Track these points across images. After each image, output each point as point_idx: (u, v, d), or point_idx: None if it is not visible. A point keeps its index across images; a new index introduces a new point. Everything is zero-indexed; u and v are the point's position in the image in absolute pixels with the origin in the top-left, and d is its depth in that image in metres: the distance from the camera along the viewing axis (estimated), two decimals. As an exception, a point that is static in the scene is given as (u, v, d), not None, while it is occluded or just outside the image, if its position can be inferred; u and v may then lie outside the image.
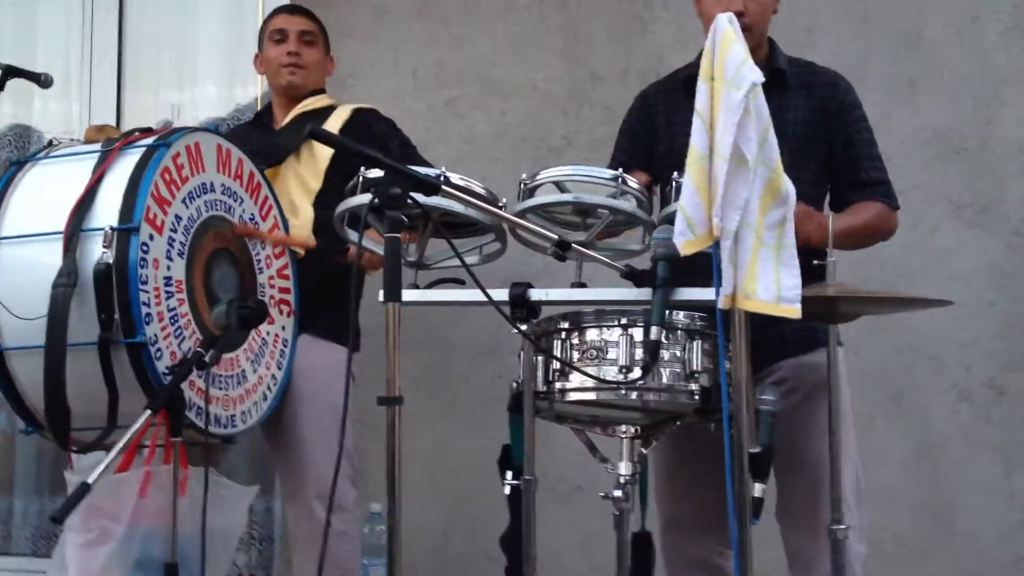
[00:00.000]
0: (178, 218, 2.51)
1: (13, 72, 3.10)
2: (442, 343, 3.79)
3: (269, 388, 2.78)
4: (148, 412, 2.11)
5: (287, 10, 3.41)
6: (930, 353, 3.51)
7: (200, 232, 2.58)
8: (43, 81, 3.23)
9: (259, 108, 3.66)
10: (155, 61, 4.43)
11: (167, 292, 2.45)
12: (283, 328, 2.84)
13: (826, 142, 2.64)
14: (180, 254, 2.50)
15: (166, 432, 2.22)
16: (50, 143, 2.73)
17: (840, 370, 2.37)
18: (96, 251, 2.37)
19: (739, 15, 2.50)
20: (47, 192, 2.54)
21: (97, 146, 2.58)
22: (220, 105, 4.34)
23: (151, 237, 2.41)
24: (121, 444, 2.09)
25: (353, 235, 2.36)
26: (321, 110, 3.22)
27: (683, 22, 3.63)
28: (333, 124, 3.13)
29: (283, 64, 3.21)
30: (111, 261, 2.33)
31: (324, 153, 3.07)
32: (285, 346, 2.85)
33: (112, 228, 2.36)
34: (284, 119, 3.23)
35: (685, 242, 2.05)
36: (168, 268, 2.46)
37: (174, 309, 2.45)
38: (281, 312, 2.83)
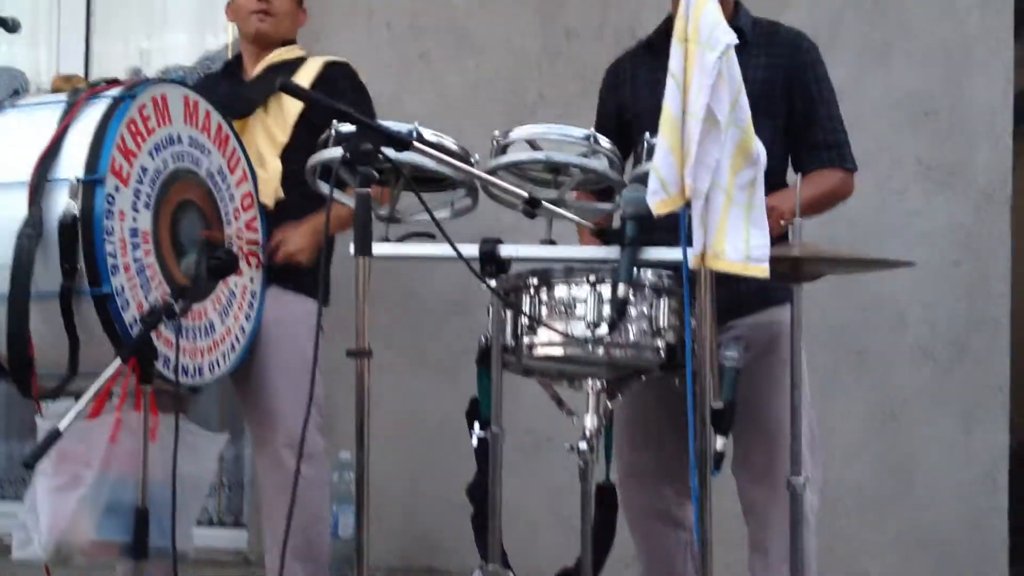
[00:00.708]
0: (144, 170, 2.50)
1: (-21, 15, 3.07)
2: (413, 296, 3.81)
3: (237, 339, 2.79)
4: (118, 360, 2.12)
5: None
6: (894, 311, 3.57)
7: (167, 184, 2.58)
8: (10, 25, 3.18)
9: (229, 57, 3.62)
10: (124, 7, 4.38)
11: (133, 243, 2.45)
12: (251, 280, 2.84)
13: (786, 100, 2.65)
14: (147, 206, 2.50)
15: (136, 379, 2.23)
16: (15, 92, 2.72)
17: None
18: (62, 202, 2.37)
19: None
20: (12, 140, 2.52)
21: (63, 96, 2.56)
22: (190, 52, 4.30)
23: (116, 188, 2.41)
24: (92, 391, 2.11)
25: (325, 187, 2.37)
26: (291, 61, 3.19)
27: (659, -21, 3.62)
28: (303, 77, 3.10)
29: (252, 10, 3.17)
30: (76, 212, 2.34)
31: (292, 107, 3.05)
32: (254, 298, 2.86)
33: (78, 179, 2.36)
34: (254, 69, 3.20)
35: (658, 202, 2.07)
36: (134, 220, 2.46)
37: (140, 260, 2.46)
38: (249, 264, 2.83)
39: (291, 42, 3.27)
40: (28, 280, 2.31)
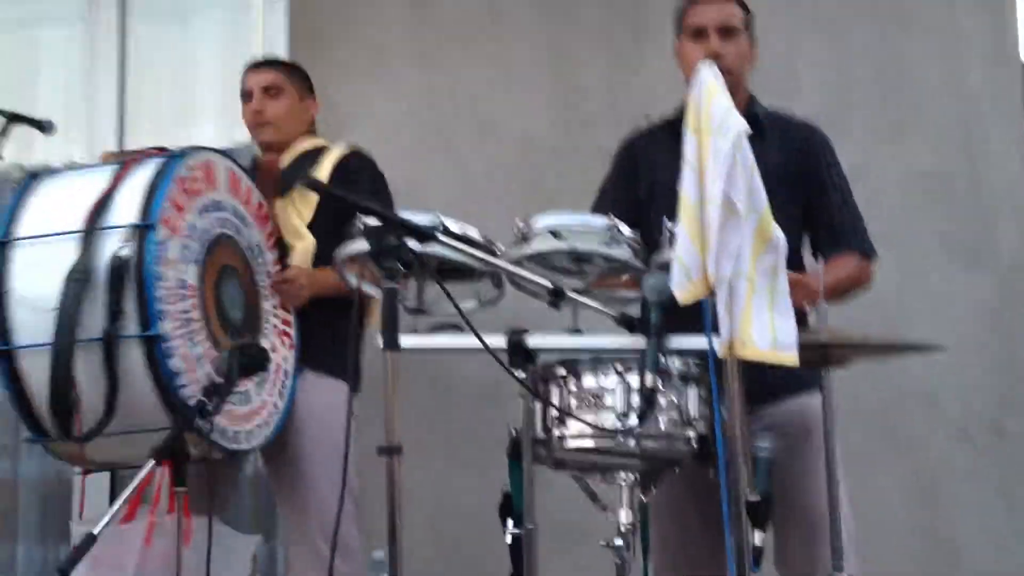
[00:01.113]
0: (193, 226, 2.55)
1: (16, 119, 3.15)
2: (444, 386, 3.81)
3: (271, 416, 2.80)
4: (151, 462, 2.12)
5: (252, 67, 3.38)
6: (927, 394, 3.53)
7: (213, 245, 2.62)
8: (46, 127, 3.27)
9: (256, 150, 3.67)
10: (155, 104, 4.47)
11: (180, 294, 2.47)
12: (284, 359, 2.87)
13: (801, 188, 2.68)
14: (195, 261, 2.54)
15: (170, 482, 2.23)
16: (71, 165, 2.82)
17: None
18: (113, 248, 2.41)
19: (716, 57, 2.57)
20: (64, 196, 2.58)
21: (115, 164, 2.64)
22: (218, 144, 4.37)
23: (168, 237, 2.45)
24: (125, 494, 2.11)
25: (352, 279, 2.39)
26: (311, 151, 3.23)
27: (674, 68, 3.67)
28: (323, 167, 3.15)
29: (250, 123, 3.25)
30: (128, 255, 2.37)
31: (313, 196, 3.10)
32: (286, 377, 2.88)
33: (132, 224, 2.40)
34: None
35: (683, 291, 2.07)
36: (183, 272, 2.49)
37: (187, 312, 2.48)
38: (283, 343, 2.86)
39: (310, 132, 3.31)
40: (74, 322, 2.32)
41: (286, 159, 3.24)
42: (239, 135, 4.37)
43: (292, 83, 3.30)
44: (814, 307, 2.35)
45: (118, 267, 2.35)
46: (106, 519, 2.01)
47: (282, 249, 2.99)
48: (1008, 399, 3.49)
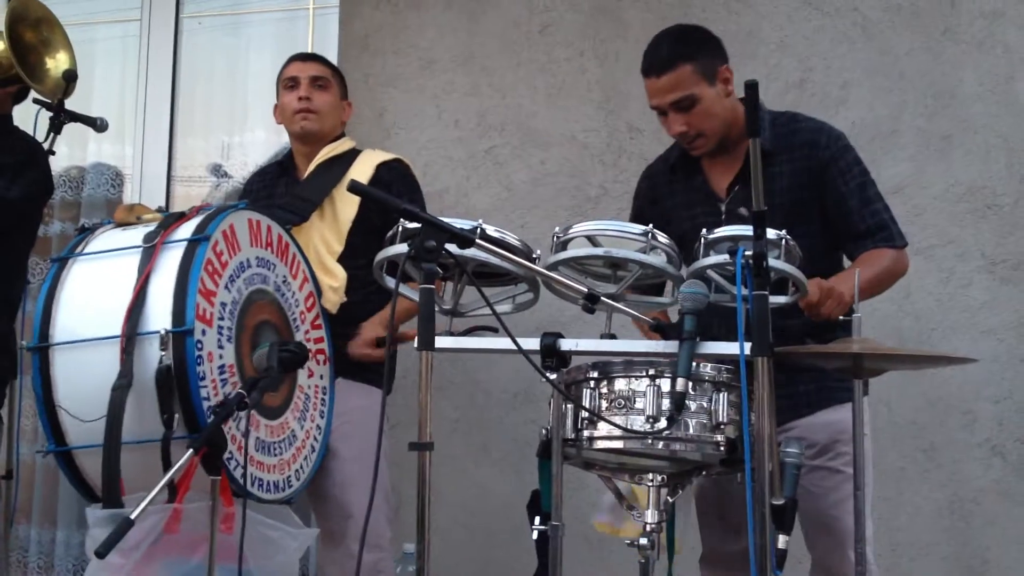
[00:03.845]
0: (223, 305, 2.57)
1: (70, 116, 3.23)
2: (477, 387, 3.86)
3: (316, 439, 2.85)
4: (191, 451, 2.18)
5: (300, 57, 3.42)
6: (962, 407, 3.51)
7: (243, 311, 2.64)
8: (99, 125, 3.35)
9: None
10: (206, 105, 4.57)
11: (222, 380, 2.51)
12: (321, 377, 2.91)
13: (817, 203, 2.66)
14: (229, 339, 2.57)
15: (204, 470, 2.29)
16: (83, 228, 2.79)
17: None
18: (150, 352, 2.44)
19: (683, 135, 2.62)
20: (95, 294, 2.61)
21: (137, 238, 2.62)
22: (267, 149, 4.46)
23: (203, 333, 2.48)
24: (163, 481, 2.17)
25: (390, 282, 2.44)
26: (343, 156, 3.27)
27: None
28: (359, 174, 3.17)
29: (296, 110, 3.24)
30: (170, 363, 2.41)
31: (345, 212, 3.14)
32: (325, 394, 2.92)
33: (168, 331, 2.43)
34: (306, 167, 3.27)
35: None
36: (221, 357, 2.52)
37: (230, 394, 2.48)
38: (318, 362, 2.90)
39: (340, 136, 3.34)
40: (119, 431, 2.39)
41: (313, 164, 3.25)
42: (287, 139, 4.46)
43: (336, 80, 3.36)
44: (852, 310, 2.34)
45: (162, 377, 2.41)
46: (143, 504, 2.07)
47: (309, 265, 2.99)
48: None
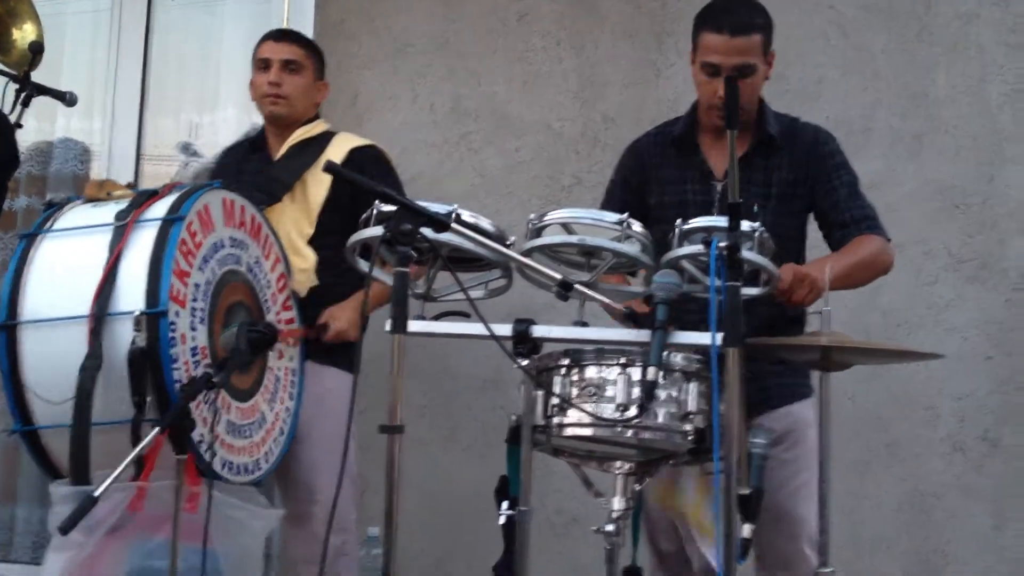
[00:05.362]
0: (196, 286, 2.54)
1: (38, 89, 3.16)
2: (446, 373, 3.85)
3: (285, 422, 2.84)
4: (156, 430, 2.17)
5: (274, 36, 3.35)
6: (925, 403, 3.56)
7: (216, 293, 2.62)
8: (68, 100, 3.29)
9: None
10: (177, 83, 4.52)
11: (195, 362, 2.49)
12: (291, 359, 2.90)
13: (808, 196, 2.72)
14: (202, 321, 2.54)
15: (171, 448, 2.28)
16: (50, 203, 2.74)
17: (812, 418, 2.44)
18: (122, 333, 2.41)
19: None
20: (65, 272, 2.56)
21: (108, 216, 2.58)
22: (239, 128, 4.42)
23: (177, 314, 2.45)
24: (128, 459, 2.16)
25: (363, 265, 2.43)
26: (316, 138, 3.23)
27: (695, 69, 3.71)
28: (331, 156, 3.10)
29: (264, 94, 3.21)
30: (143, 345, 2.38)
31: (316, 195, 3.12)
32: (295, 375, 2.91)
33: (142, 312, 2.40)
34: (278, 147, 3.23)
35: None
36: (194, 339, 2.50)
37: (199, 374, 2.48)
38: (289, 343, 2.89)
39: (315, 117, 3.30)
40: (89, 412, 2.36)
41: (286, 145, 3.22)
42: (258, 118, 4.42)
43: (311, 62, 3.30)
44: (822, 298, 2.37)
45: (136, 360, 2.38)
46: (107, 482, 2.06)
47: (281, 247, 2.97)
48: (1004, 413, 3.50)
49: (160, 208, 2.57)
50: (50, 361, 2.47)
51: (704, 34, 2.65)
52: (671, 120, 2.90)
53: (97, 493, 2.12)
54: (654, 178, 2.81)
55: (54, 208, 2.70)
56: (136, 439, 2.35)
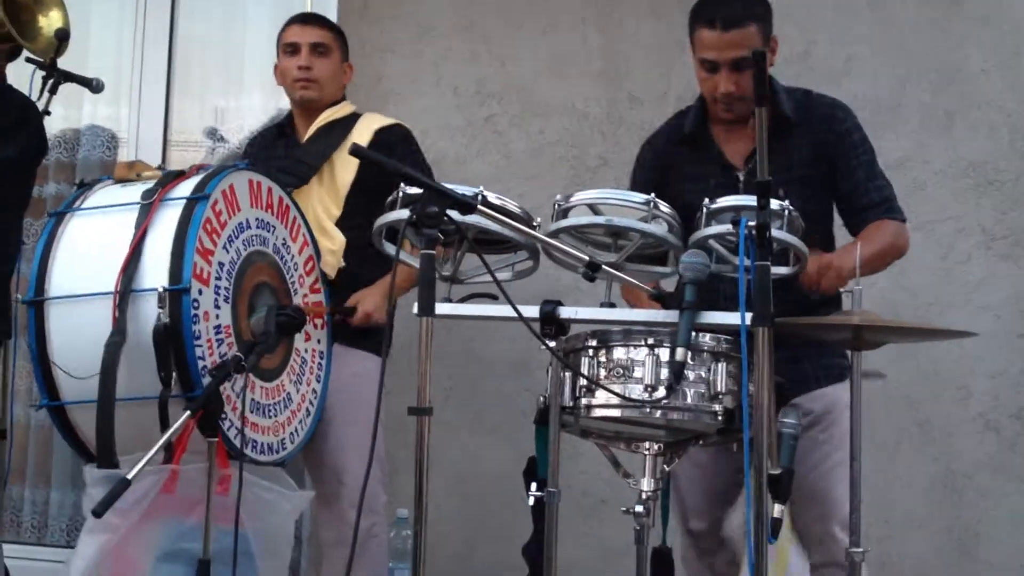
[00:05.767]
0: (221, 264, 2.55)
1: (65, 76, 3.18)
2: (474, 355, 3.85)
3: (311, 403, 2.85)
4: (187, 413, 2.18)
5: (300, 20, 3.36)
6: (957, 382, 3.52)
7: (241, 272, 2.63)
8: (95, 86, 3.31)
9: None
10: (203, 68, 4.52)
11: (218, 340, 2.50)
12: (318, 341, 2.91)
13: (829, 174, 2.67)
14: (226, 300, 2.55)
15: (201, 432, 2.29)
16: (82, 183, 2.77)
17: (844, 400, 2.42)
18: (146, 310, 2.43)
19: (729, 95, 2.59)
20: (91, 249, 2.59)
21: (135, 195, 2.60)
22: (264, 113, 4.43)
23: (200, 292, 2.46)
24: (160, 443, 2.17)
25: (390, 248, 2.43)
26: (342, 120, 3.25)
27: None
28: (359, 138, 3.15)
29: (295, 79, 3.22)
30: (167, 322, 2.39)
31: (344, 177, 3.13)
32: (322, 358, 2.92)
33: (165, 289, 2.41)
34: (306, 130, 3.25)
35: None
36: (217, 317, 2.51)
37: (225, 356, 2.50)
38: (316, 326, 2.89)
39: (341, 99, 3.31)
40: (113, 387, 2.37)
41: (313, 127, 3.24)
42: (284, 103, 4.43)
43: (337, 44, 3.31)
44: (849, 284, 2.34)
45: (159, 335, 2.39)
46: (140, 464, 2.07)
47: (309, 228, 2.98)
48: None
49: (186, 187, 2.59)
50: (75, 337, 2.49)
51: (698, 30, 2.62)
52: (680, 112, 2.86)
53: (131, 476, 2.14)
54: (673, 178, 2.76)
55: (84, 188, 2.72)
56: (163, 416, 2.36)
